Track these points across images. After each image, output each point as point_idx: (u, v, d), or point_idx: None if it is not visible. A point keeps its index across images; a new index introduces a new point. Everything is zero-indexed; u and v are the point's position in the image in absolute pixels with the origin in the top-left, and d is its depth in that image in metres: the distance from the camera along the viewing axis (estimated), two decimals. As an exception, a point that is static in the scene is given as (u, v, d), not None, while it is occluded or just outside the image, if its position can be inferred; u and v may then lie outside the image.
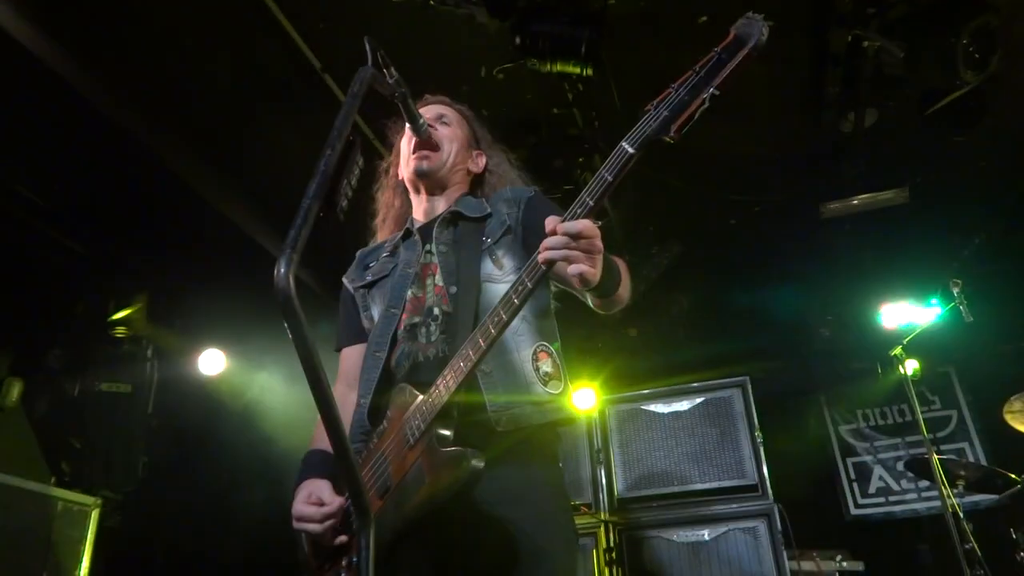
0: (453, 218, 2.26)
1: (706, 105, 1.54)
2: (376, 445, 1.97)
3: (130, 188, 5.48)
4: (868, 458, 7.58)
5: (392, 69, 1.98)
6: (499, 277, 2.09)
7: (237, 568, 6.89)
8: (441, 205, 2.34)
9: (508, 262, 2.13)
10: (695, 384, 4.71)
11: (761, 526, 4.18)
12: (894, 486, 7.38)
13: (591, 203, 1.61)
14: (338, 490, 1.98)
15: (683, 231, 6.56)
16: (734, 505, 4.29)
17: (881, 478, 7.46)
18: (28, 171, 5.23)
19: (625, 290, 1.91)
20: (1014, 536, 4.52)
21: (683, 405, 4.64)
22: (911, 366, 5.58)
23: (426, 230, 2.28)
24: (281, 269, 1.31)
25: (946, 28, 3.90)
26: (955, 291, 5.65)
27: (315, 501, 1.96)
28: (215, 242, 5.87)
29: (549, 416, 1.99)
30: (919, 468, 5.13)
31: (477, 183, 2.45)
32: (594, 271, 1.64)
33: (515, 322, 2.00)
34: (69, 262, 6.01)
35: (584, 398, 5.13)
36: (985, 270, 6.75)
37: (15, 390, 6.28)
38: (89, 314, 6.41)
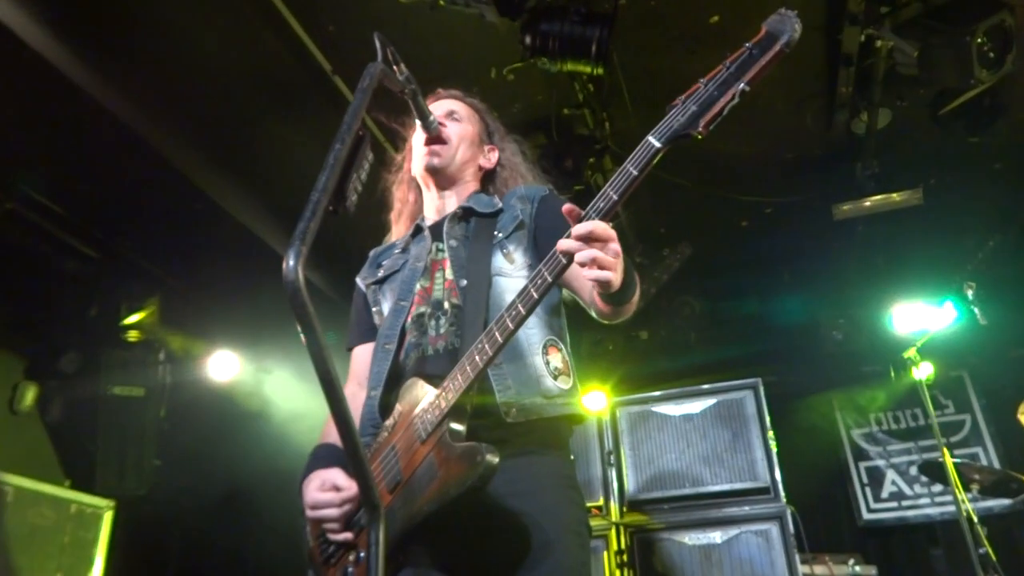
0: (464, 214, 2.26)
1: (736, 101, 1.51)
2: (386, 439, 1.95)
3: (142, 192, 5.52)
4: (881, 462, 7.52)
5: (402, 65, 1.98)
6: (510, 272, 2.09)
7: (250, 570, 6.90)
8: (452, 202, 2.33)
9: (519, 257, 2.12)
10: (707, 386, 4.67)
11: (773, 529, 4.14)
12: (907, 491, 7.32)
13: (615, 197, 1.58)
14: (350, 474, 1.96)
15: (694, 233, 6.54)
16: (746, 508, 4.25)
17: (894, 483, 7.39)
18: (41, 176, 5.26)
19: (636, 299, 1.89)
20: (1030, 540, 4.47)
21: (695, 407, 4.61)
22: (925, 370, 5.52)
23: (437, 227, 2.27)
24: (290, 261, 1.31)
25: (960, 27, 3.88)
26: (969, 294, 5.61)
27: (330, 487, 1.95)
28: (227, 245, 5.89)
29: (559, 410, 1.98)
30: (933, 472, 5.09)
31: (489, 178, 2.44)
32: (615, 275, 1.62)
33: None
34: (82, 266, 6.05)
35: (595, 400, 5.11)
36: (999, 273, 6.69)
37: (30, 394, 6.32)
38: (102, 318, 6.44)
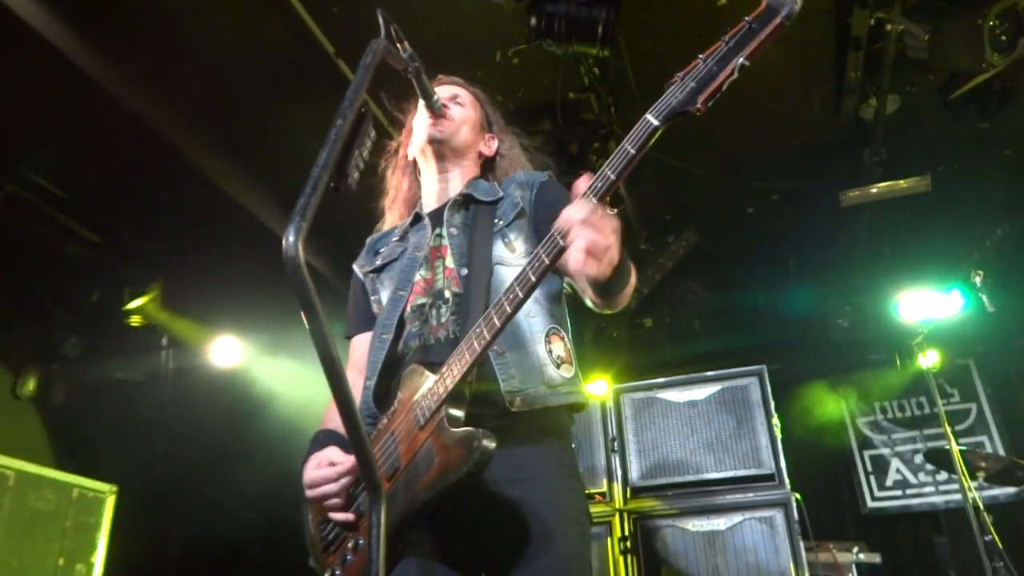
0: (465, 201, 2.23)
1: (735, 76, 1.48)
2: (385, 426, 1.93)
3: (145, 176, 5.49)
4: (885, 451, 7.50)
5: (406, 43, 1.95)
6: (511, 260, 2.06)
7: (253, 555, 6.92)
8: (453, 186, 2.30)
9: (520, 245, 2.10)
10: (711, 372, 4.65)
11: (778, 516, 4.13)
12: (911, 479, 7.30)
13: (613, 177, 1.55)
14: (347, 451, 1.94)
15: (700, 219, 6.49)
16: (750, 495, 4.23)
17: (898, 471, 7.38)
18: (43, 159, 5.24)
19: (630, 290, 1.85)
20: (1035, 529, 4.45)
21: (699, 393, 4.59)
22: (932, 358, 5.49)
23: (436, 214, 2.24)
24: (290, 237, 1.29)
25: (972, 9, 3.82)
26: (977, 282, 5.57)
27: (326, 464, 1.93)
28: (230, 230, 5.87)
29: (562, 399, 1.96)
30: (939, 460, 5.07)
31: (488, 167, 2.41)
32: (599, 265, 1.57)
33: (529, 304, 1.97)
34: (84, 251, 6.04)
35: (598, 388, 5.09)
36: (1007, 261, 6.65)
37: (32, 379, 6.32)
38: (105, 303, 6.44)
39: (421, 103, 2.21)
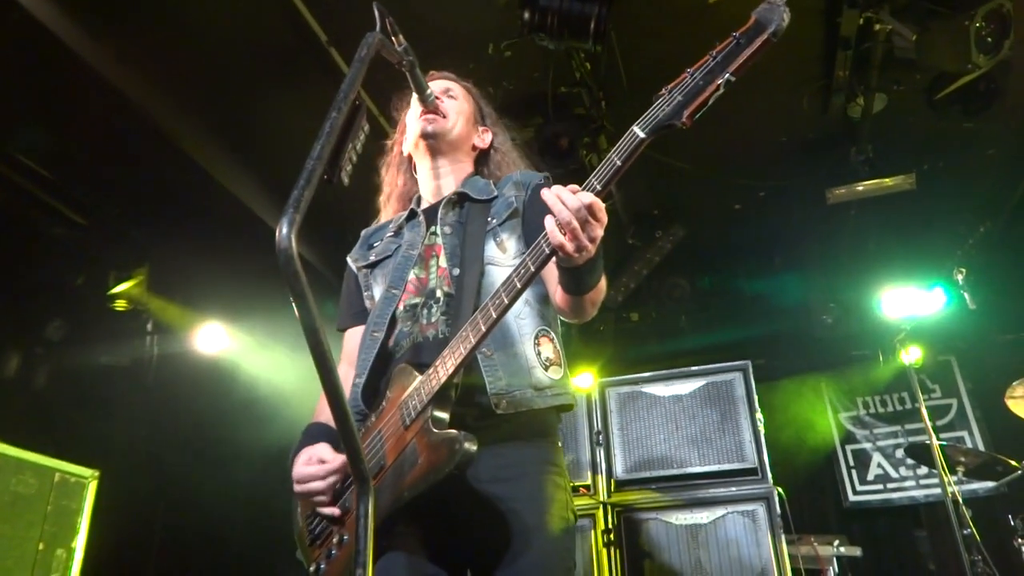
0: (459, 199, 2.23)
1: (721, 91, 1.50)
2: (374, 424, 1.95)
3: (133, 159, 5.46)
4: (867, 445, 7.58)
5: (400, 36, 1.95)
6: (502, 260, 2.07)
7: (236, 543, 6.91)
8: (448, 182, 2.30)
9: (512, 245, 2.10)
10: (696, 367, 4.68)
11: (760, 509, 4.16)
12: (892, 473, 7.39)
13: (599, 187, 1.58)
14: (338, 449, 1.95)
15: (687, 215, 6.53)
16: (733, 488, 4.27)
17: (880, 465, 7.46)
18: (30, 139, 5.19)
19: (598, 295, 1.86)
20: (1012, 523, 4.52)
21: (684, 388, 4.61)
22: (914, 354, 5.55)
23: (431, 211, 2.25)
24: (283, 229, 1.29)
25: (959, 11, 3.86)
26: (959, 279, 5.63)
27: (316, 461, 1.94)
28: (218, 216, 5.85)
29: (549, 401, 1.97)
30: (920, 454, 5.13)
31: (482, 160, 2.42)
32: (571, 242, 1.57)
33: (518, 306, 1.99)
34: (70, 233, 5.99)
35: (583, 381, 5.11)
36: (989, 259, 6.73)
37: (14, 362, 6.28)
38: (90, 286, 6.39)
39: (414, 97, 2.21)
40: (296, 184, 1.38)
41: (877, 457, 7.49)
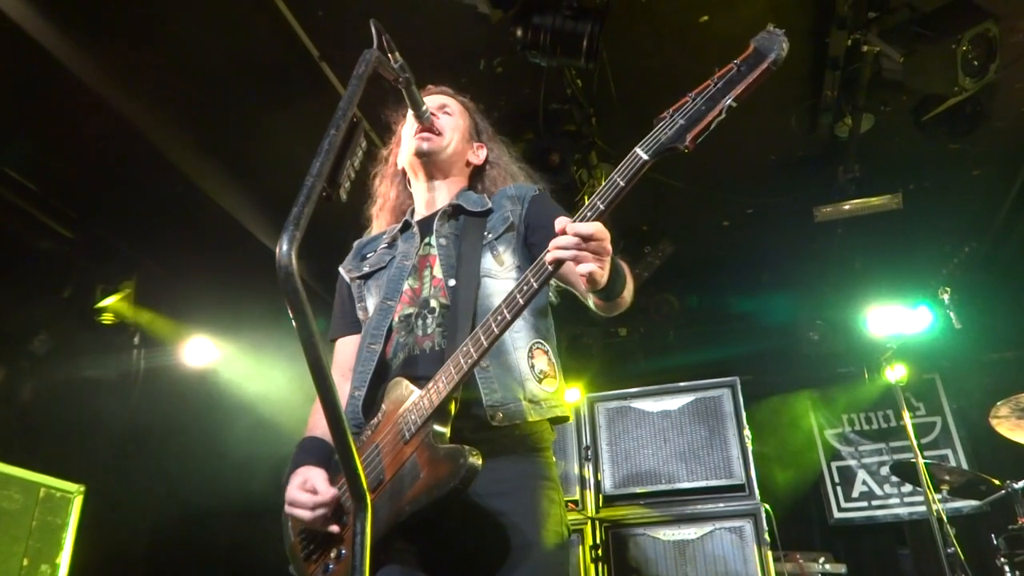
0: (454, 211, 2.24)
1: (723, 116, 1.53)
2: (370, 438, 1.94)
3: (121, 172, 5.44)
4: (852, 462, 7.62)
5: (397, 54, 1.96)
6: (499, 273, 2.08)
7: (223, 557, 6.85)
8: (441, 196, 2.31)
9: (509, 258, 2.12)
10: (685, 383, 4.70)
11: (747, 526, 4.18)
12: (877, 491, 7.41)
13: (602, 207, 1.60)
14: (332, 480, 1.95)
15: (676, 231, 6.56)
16: (721, 504, 4.28)
17: (864, 482, 7.49)
18: (16, 151, 5.17)
19: (629, 293, 1.91)
20: (995, 542, 4.54)
21: (673, 404, 4.63)
22: (899, 372, 5.60)
23: (426, 223, 2.25)
24: (283, 246, 1.30)
25: (946, 34, 3.92)
26: (944, 298, 5.68)
27: (309, 489, 1.93)
28: (206, 229, 5.84)
29: (544, 413, 1.98)
30: (904, 472, 5.15)
31: (477, 176, 2.43)
32: (603, 272, 1.64)
33: None
34: (57, 246, 5.96)
35: (572, 396, 5.11)
36: (974, 278, 6.79)
37: (-1, 374, 6.21)
38: (76, 300, 6.34)
39: (410, 113, 2.22)
40: (296, 201, 1.39)
41: (862, 474, 7.52)
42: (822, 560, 5.23)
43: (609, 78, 4.63)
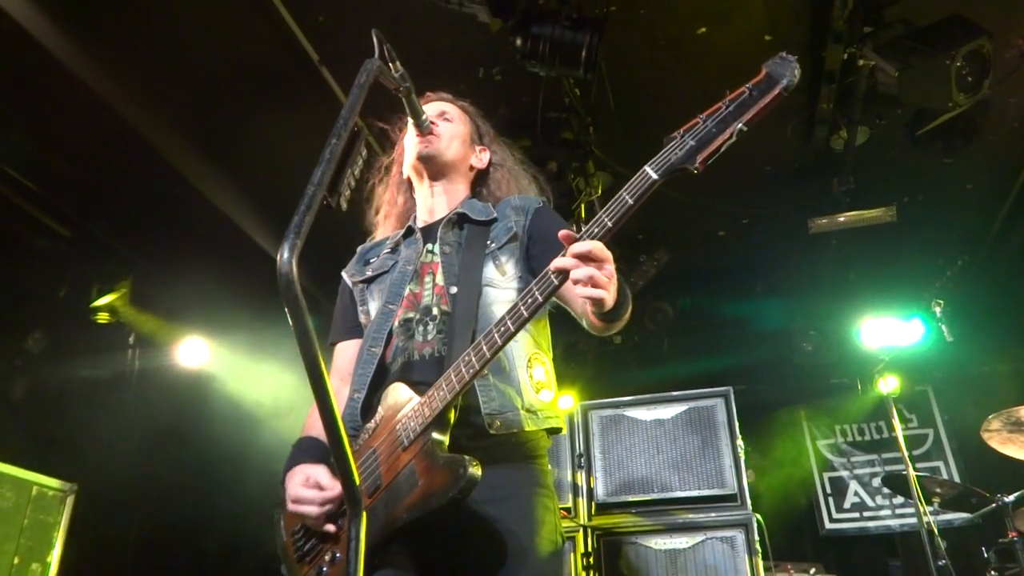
0: (459, 220, 2.26)
1: (733, 139, 1.54)
2: (367, 442, 1.95)
3: (119, 173, 5.46)
4: (844, 473, 7.64)
5: (398, 63, 1.98)
6: (500, 282, 2.10)
7: (214, 559, 6.85)
8: (445, 202, 2.33)
9: (511, 269, 2.13)
10: (678, 392, 4.71)
11: (739, 536, 4.18)
12: (869, 502, 7.43)
13: (610, 224, 1.60)
14: (334, 472, 1.95)
15: (671, 240, 6.59)
16: (713, 514, 4.28)
17: (856, 493, 7.51)
18: (15, 150, 5.18)
19: (628, 314, 1.92)
20: (986, 555, 4.56)
21: (666, 412, 4.64)
22: (891, 384, 5.62)
23: (429, 230, 2.27)
24: (285, 254, 1.31)
25: (941, 50, 3.95)
26: (937, 311, 5.72)
27: (313, 485, 1.94)
28: (203, 231, 5.85)
29: (540, 423, 2.00)
30: (896, 484, 5.17)
31: (481, 179, 2.45)
32: (611, 296, 1.65)
33: None
34: (54, 245, 5.96)
35: (564, 403, 5.12)
36: (967, 292, 6.84)
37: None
38: (72, 299, 6.35)
39: (411, 121, 2.24)
40: (297, 209, 1.41)
41: (854, 485, 7.54)
42: (813, 571, 5.24)
43: (607, 88, 4.66)
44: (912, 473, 4.78)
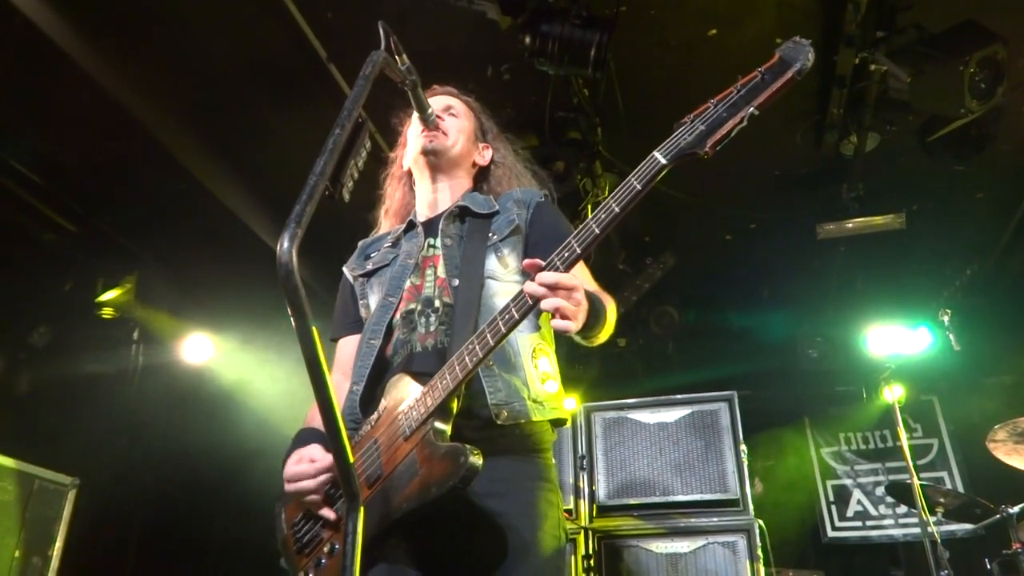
0: (461, 213, 2.25)
1: (744, 124, 1.51)
2: (368, 433, 1.94)
3: (126, 168, 5.45)
4: (848, 481, 7.60)
5: (404, 56, 1.97)
6: (502, 275, 2.09)
7: (216, 553, 6.84)
8: (446, 197, 2.32)
9: (512, 261, 2.12)
10: (682, 396, 4.68)
11: (741, 541, 4.15)
12: (872, 511, 7.40)
13: (617, 209, 1.58)
14: (329, 450, 1.94)
15: (678, 243, 6.57)
16: (715, 519, 4.26)
17: (859, 502, 7.47)
18: (22, 144, 5.18)
19: (609, 326, 1.93)
20: (989, 566, 4.53)
21: (669, 416, 4.61)
22: (897, 392, 5.58)
23: (431, 224, 2.26)
24: (285, 244, 1.30)
25: (954, 56, 3.92)
26: (944, 320, 5.68)
27: (306, 461, 1.94)
28: (209, 227, 5.84)
29: (546, 414, 1.99)
30: (900, 493, 5.14)
31: (483, 176, 2.44)
32: (576, 324, 1.66)
33: None
34: (59, 239, 5.96)
35: (568, 405, 5.09)
36: (975, 302, 6.80)
37: (-4, 366, 6.21)
38: (77, 293, 6.35)
39: (415, 114, 2.23)
40: (298, 199, 1.39)
41: (857, 494, 7.51)
42: (814, 578, 5.22)
43: (616, 89, 4.64)
44: (916, 482, 4.74)
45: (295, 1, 4.31)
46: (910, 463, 4.91)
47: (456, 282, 2.06)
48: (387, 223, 2.49)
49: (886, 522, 7.28)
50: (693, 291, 7.38)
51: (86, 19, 4.31)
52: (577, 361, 7.46)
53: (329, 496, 1.93)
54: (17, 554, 4.62)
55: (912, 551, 6.87)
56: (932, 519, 4.74)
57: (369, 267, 2.32)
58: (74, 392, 6.33)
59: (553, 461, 2.07)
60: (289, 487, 1.94)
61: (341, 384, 2.16)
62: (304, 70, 4.69)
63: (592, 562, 4.30)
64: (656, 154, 1.56)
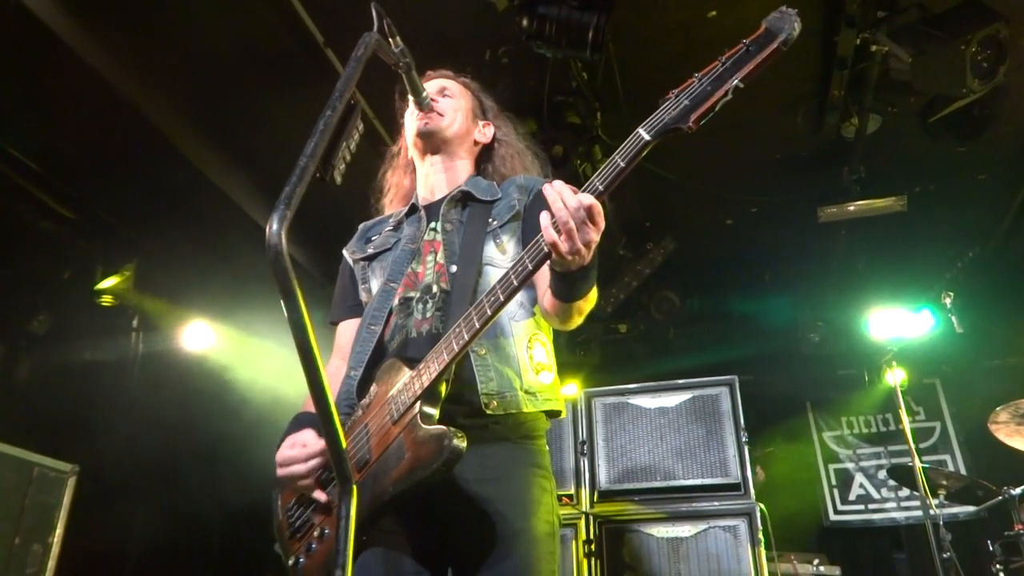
0: (463, 198, 2.23)
1: (729, 97, 1.48)
2: (360, 418, 1.94)
3: (125, 155, 5.42)
4: (850, 465, 7.60)
5: (398, 38, 1.94)
6: (501, 261, 2.06)
7: (216, 542, 6.86)
8: (448, 179, 2.30)
9: (511, 248, 2.10)
10: (683, 380, 4.67)
11: (742, 525, 4.15)
12: (874, 494, 7.40)
13: (601, 188, 1.56)
14: (321, 435, 1.94)
15: (679, 228, 6.54)
16: (716, 503, 4.26)
17: (862, 485, 7.48)
18: (19, 131, 5.16)
19: (587, 304, 1.85)
20: (991, 548, 4.53)
21: (670, 401, 4.61)
22: (899, 376, 5.57)
23: (432, 208, 2.24)
24: (273, 225, 1.28)
25: (956, 35, 3.88)
26: (947, 303, 5.66)
27: (299, 445, 1.93)
28: (208, 214, 5.82)
29: (539, 405, 1.97)
30: (902, 476, 5.14)
31: (486, 155, 2.41)
32: (585, 256, 1.59)
33: (512, 307, 2.00)
34: (58, 227, 5.95)
35: (568, 390, 5.10)
36: (977, 284, 6.76)
37: (-4, 353, 6.21)
38: (76, 281, 6.34)
39: (411, 99, 2.21)
40: (288, 181, 1.37)
41: (859, 477, 7.51)
42: (816, 562, 5.22)
43: (615, 72, 4.61)
44: (918, 465, 4.74)
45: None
46: (912, 446, 4.90)
47: (454, 268, 2.04)
48: (390, 208, 2.47)
49: (888, 505, 7.29)
50: (694, 276, 7.36)
51: (82, 5, 4.28)
52: (578, 347, 7.45)
53: (321, 480, 1.93)
54: (17, 541, 4.63)
55: (914, 534, 6.88)
56: (934, 502, 4.74)
57: (370, 251, 2.30)
58: (74, 380, 6.33)
59: (547, 447, 2.06)
60: (281, 471, 1.94)
61: (340, 368, 2.16)
62: (301, 55, 4.65)
63: (593, 547, 4.31)
64: (640, 131, 1.54)
